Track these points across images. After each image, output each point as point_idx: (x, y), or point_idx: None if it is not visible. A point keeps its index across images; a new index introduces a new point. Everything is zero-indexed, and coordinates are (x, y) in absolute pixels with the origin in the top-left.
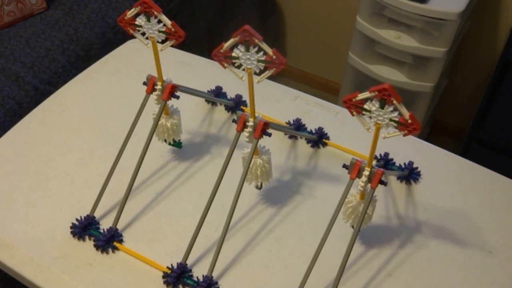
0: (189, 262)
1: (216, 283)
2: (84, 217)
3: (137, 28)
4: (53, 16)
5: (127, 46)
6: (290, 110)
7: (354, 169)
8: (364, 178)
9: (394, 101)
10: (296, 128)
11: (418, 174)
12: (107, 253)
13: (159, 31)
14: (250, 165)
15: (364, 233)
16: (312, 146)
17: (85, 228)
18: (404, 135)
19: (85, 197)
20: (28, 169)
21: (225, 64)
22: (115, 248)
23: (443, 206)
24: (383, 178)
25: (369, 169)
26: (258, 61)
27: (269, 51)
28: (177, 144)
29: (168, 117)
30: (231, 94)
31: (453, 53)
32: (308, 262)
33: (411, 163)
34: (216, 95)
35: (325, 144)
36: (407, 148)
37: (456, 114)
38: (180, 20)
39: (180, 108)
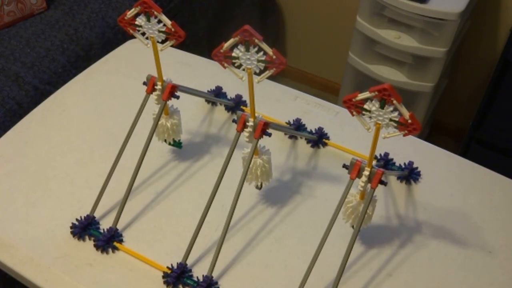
0: (189, 262)
1: (216, 283)
2: (84, 217)
3: (137, 28)
4: (53, 16)
5: (127, 46)
6: (290, 110)
7: (354, 169)
8: (364, 178)
9: (394, 101)
10: (296, 128)
11: (418, 174)
12: (107, 253)
13: (159, 31)
14: (250, 165)
15: (364, 233)
16: (312, 146)
17: (85, 228)
18: (404, 135)
19: (85, 197)
20: (28, 169)
21: (225, 64)
22: (115, 248)
23: (443, 206)
24: (383, 178)
25: (369, 169)
26: (258, 61)
27: (269, 51)
28: (177, 144)
29: (168, 117)
30: (231, 94)
31: (453, 53)
32: (308, 262)
33: (411, 163)
34: (216, 95)
35: (325, 144)
36: (407, 148)
37: (456, 114)
38: (180, 20)
39: (180, 108)
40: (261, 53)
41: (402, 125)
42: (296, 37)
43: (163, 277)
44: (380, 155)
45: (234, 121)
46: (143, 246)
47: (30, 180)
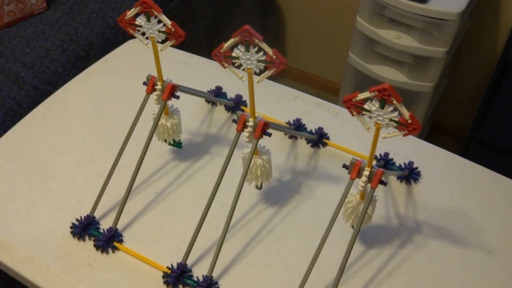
0: (189, 262)
1: (216, 283)
2: (84, 217)
3: (137, 28)
4: (53, 16)
5: (127, 46)
6: (290, 110)
7: (354, 169)
8: (364, 178)
9: (394, 101)
10: (296, 128)
11: (418, 174)
12: (107, 253)
13: (159, 31)
14: (250, 165)
15: (364, 233)
16: (312, 146)
17: (85, 228)
18: (404, 135)
19: (85, 197)
20: (28, 169)
21: (225, 64)
22: (115, 248)
23: (443, 206)
24: (383, 178)
25: (369, 169)
26: (258, 61)
27: (269, 51)
28: (177, 144)
29: (168, 117)
30: (231, 94)
31: (453, 53)
32: (308, 262)
33: (411, 163)
34: (216, 95)
35: (325, 144)
36: (407, 148)
37: (456, 114)
38: (180, 20)
39: (180, 108)
40: (261, 53)
41: (402, 125)
42: (296, 37)
43: (163, 277)
44: (380, 155)
45: (234, 121)
46: (143, 246)
47: (30, 180)
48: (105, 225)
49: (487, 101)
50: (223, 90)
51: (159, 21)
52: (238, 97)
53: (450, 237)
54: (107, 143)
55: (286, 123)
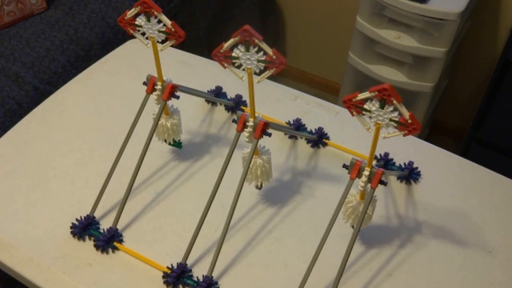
0: (189, 262)
1: (216, 283)
2: (84, 217)
3: (137, 28)
4: (53, 16)
5: (127, 46)
6: (290, 110)
7: (354, 169)
8: (364, 178)
9: (394, 101)
10: (296, 128)
11: (418, 174)
12: (107, 253)
13: (159, 31)
14: (250, 165)
15: (364, 233)
16: (312, 146)
17: (85, 228)
18: (404, 135)
19: (85, 197)
20: (28, 169)
21: (225, 64)
22: (115, 248)
23: (443, 206)
24: (383, 178)
25: (369, 169)
26: (258, 61)
27: (269, 51)
28: (177, 144)
29: (168, 117)
30: (231, 94)
31: (453, 53)
32: (308, 262)
33: (411, 163)
34: (216, 95)
35: (325, 144)
36: (407, 148)
37: (456, 114)
38: (180, 20)
39: (180, 108)
40: (261, 53)
41: (402, 125)
42: (296, 37)
43: (163, 277)
44: (380, 155)
45: (234, 121)
46: (143, 246)
47: (30, 180)
48: (105, 225)
49: (487, 101)
50: (223, 90)
51: (159, 21)
52: (238, 97)
53: (450, 237)
54: (107, 143)
55: (286, 123)
